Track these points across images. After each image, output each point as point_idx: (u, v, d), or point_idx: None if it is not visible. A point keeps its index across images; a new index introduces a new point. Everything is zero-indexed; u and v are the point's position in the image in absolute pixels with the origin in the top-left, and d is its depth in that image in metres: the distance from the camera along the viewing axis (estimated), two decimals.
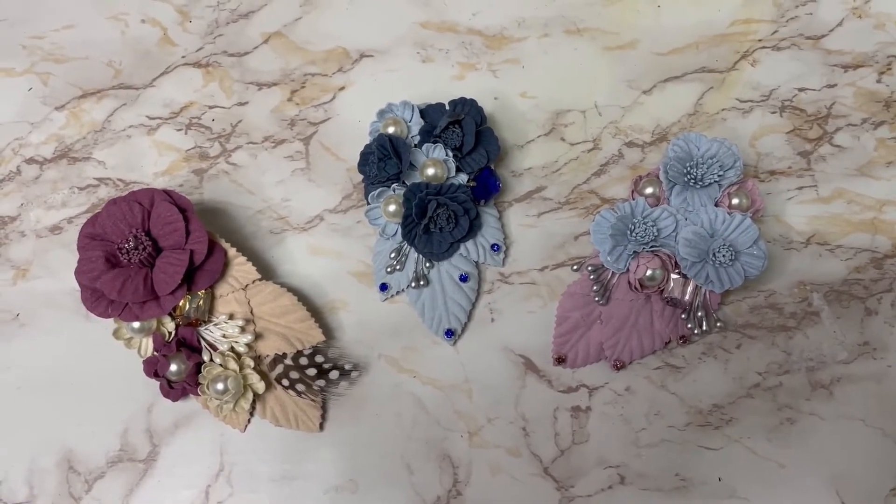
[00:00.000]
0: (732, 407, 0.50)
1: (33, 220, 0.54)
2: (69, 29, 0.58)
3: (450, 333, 0.51)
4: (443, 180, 0.51)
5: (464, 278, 0.52)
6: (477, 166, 0.52)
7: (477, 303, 0.52)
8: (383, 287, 0.52)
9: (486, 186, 0.52)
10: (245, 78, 0.57)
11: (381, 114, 0.53)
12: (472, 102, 0.52)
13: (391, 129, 0.52)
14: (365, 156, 0.51)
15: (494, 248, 0.52)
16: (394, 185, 0.51)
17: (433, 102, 0.53)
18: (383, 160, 0.51)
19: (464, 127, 0.51)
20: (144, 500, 0.49)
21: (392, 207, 0.50)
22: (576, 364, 0.51)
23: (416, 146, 0.52)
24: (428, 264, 0.52)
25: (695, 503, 0.49)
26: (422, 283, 0.51)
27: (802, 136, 0.55)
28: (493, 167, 0.53)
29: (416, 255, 0.51)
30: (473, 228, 0.51)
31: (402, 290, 0.52)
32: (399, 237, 0.51)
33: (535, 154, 0.55)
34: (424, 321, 0.51)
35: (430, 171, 0.51)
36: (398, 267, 0.51)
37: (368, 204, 0.51)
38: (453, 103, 0.52)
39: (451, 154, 0.51)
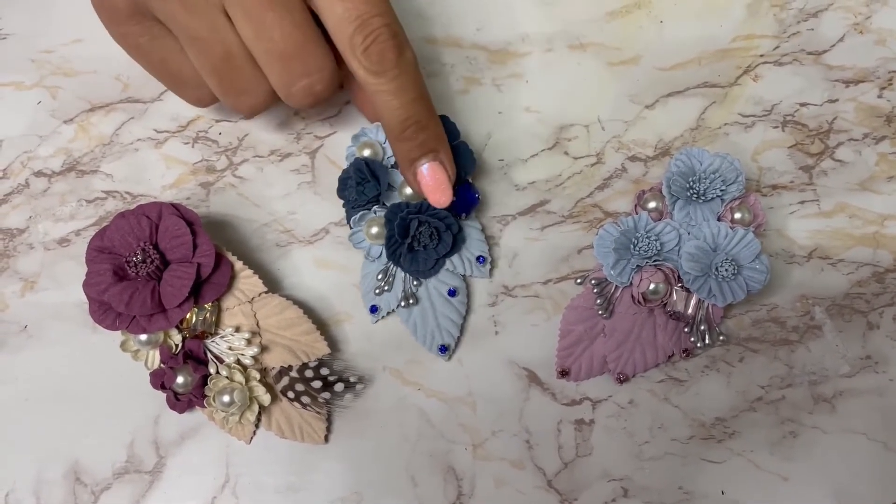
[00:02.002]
0: (735, 420, 0.51)
1: (41, 233, 0.55)
2: (78, 43, 0.59)
3: (444, 349, 0.51)
4: (422, 198, 0.51)
5: (452, 293, 0.52)
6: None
7: (468, 316, 0.53)
8: (373, 309, 0.52)
9: (466, 200, 0.52)
10: None
11: (356, 138, 0.53)
12: (444, 118, 0.52)
13: (366, 153, 0.52)
14: (343, 181, 0.52)
15: (480, 260, 0.53)
16: (374, 208, 0.51)
17: None
18: (361, 184, 0.51)
19: None
20: None
21: (374, 229, 0.51)
22: (579, 377, 0.51)
23: (392, 167, 0.52)
24: (415, 282, 0.52)
25: None
26: (411, 301, 0.51)
27: (804, 151, 0.55)
28: (470, 180, 0.53)
29: (402, 274, 0.52)
30: (457, 243, 0.52)
31: (393, 310, 0.52)
32: (384, 258, 0.52)
33: (538, 168, 0.56)
34: (417, 339, 0.52)
35: (409, 190, 0.51)
36: (386, 288, 0.51)
37: (351, 228, 0.52)
38: None
39: None
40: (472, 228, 0.53)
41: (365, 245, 0.52)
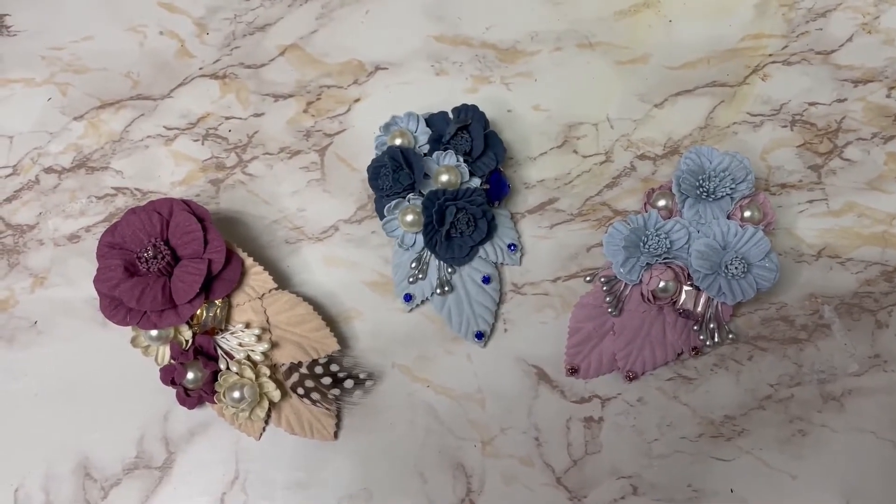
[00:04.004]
0: (744, 418, 0.51)
1: (51, 229, 0.55)
2: (88, 40, 0.59)
3: (480, 335, 0.52)
4: (457, 186, 0.52)
5: (486, 280, 0.52)
6: (487, 169, 0.52)
7: (501, 303, 0.53)
8: (407, 298, 0.52)
9: (499, 188, 0.53)
10: (261, 89, 0.58)
11: (387, 127, 0.53)
12: (475, 108, 0.53)
13: (398, 141, 0.52)
14: (376, 169, 0.52)
15: (511, 247, 0.53)
16: (409, 196, 0.52)
17: (435, 111, 0.54)
18: (396, 172, 0.51)
19: (472, 132, 0.52)
20: None
21: (410, 217, 0.51)
22: (588, 375, 0.51)
23: (425, 155, 0.53)
24: (450, 270, 0.52)
25: None
26: (446, 289, 0.51)
27: (813, 150, 0.55)
28: (501, 169, 0.53)
29: (436, 262, 0.52)
30: (491, 230, 0.52)
31: (427, 298, 0.52)
32: (418, 247, 0.52)
33: (547, 166, 0.56)
34: (452, 327, 0.52)
35: (445, 178, 0.51)
36: (420, 276, 0.52)
37: (382, 217, 0.52)
38: (457, 110, 0.53)
39: (461, 159, 0.52)
40: (502, 216, 0.54)
41: (399, 233, 0.52)
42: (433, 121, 0.53)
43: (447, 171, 0.51)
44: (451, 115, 0.53)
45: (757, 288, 0.49)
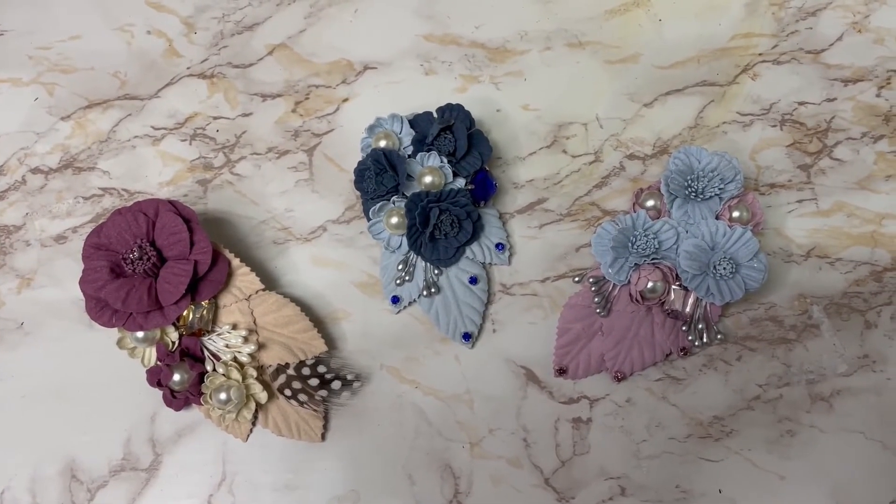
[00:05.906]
0: (733, 419, 0.50)
1: (38, 230, 0.55)
2: (75, 40, 0.59)
3: (467, 336, 0.51)
4: (441, 187, 0.51)
5: (473, 280, 0.52)
6: (472, 169, 0.52)
7: (489, 303, 0.53)
8: (395, 300, 0.52)
9: (485, 187, 0.53)
10: (249, 89, 0.57)
11: (371, 129, 0.53)
12: (460, 107, 0.52)
13: (383, 143, 0.52)
14: (361, 172, 0.52)
15: (499, 247, 0.53)
16: (393, 198, 0.51)
17: (420, 112, 0.54)
18: (380, 174, 0.51)
19: (455, 132, 0.51)
20: None
21: (394, 220, 0.51)
22: (577, 375, 0.51)
23: (409, 156, 0.53)
24: (436, 271, 0.52)
25: None
26: (433, 290, 0.51)
27: (802, 150, 0.55)
28: (487, 168, 0.53)
29: (423, 263, 0.52)
30: (477, 230, 0.52)
31: (414, 300, 0.52)
32: (404, 249, 0.52)
33: (536, 166, 0.56)
34: (440, 328, 0.51)
35: (428, 179, 0.51)
36: (407, 278, 0.51)
37: (369, 220, 0.52)
38: (441, 110, 0.53)
39: (445, 160, 0.52)
40: (489, 216, 0.53)
41: (384, 236, 0.52)
42: (417, 121, 0.53)
43: (430, 172, 0.51)
44: (435, 116, 0.53)
45: (745, 288, 0.49)
